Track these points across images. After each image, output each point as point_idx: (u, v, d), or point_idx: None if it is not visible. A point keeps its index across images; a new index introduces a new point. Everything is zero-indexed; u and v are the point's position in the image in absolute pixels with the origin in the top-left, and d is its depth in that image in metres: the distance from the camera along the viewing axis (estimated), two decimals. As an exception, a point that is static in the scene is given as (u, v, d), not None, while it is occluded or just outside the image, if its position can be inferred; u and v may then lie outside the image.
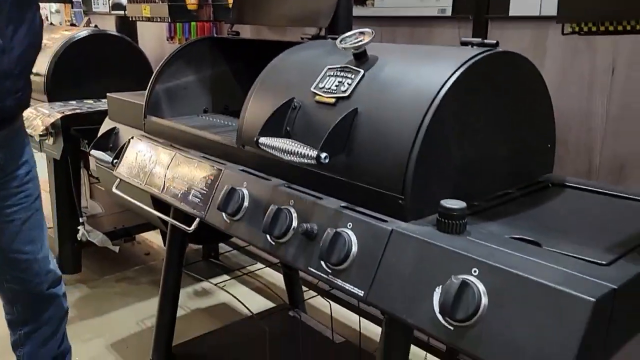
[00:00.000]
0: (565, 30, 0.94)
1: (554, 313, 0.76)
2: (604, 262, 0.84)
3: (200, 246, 3.00)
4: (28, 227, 1.54)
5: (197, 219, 1.40)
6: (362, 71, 1.16)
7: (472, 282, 0.84)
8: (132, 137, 1.71)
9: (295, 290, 2.24)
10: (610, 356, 0.83)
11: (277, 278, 2.29)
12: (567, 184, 1.24)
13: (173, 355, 1.85)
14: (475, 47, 1.13)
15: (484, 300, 0.83)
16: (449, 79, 1.02)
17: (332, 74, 1.21)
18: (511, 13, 1.51)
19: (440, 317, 0.86)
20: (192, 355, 1.86)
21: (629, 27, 0.86)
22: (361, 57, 1.18)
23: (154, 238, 3.17)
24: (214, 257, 3.00)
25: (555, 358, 0.74)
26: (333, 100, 1.16)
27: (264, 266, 2.84)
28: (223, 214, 1.29)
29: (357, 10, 1.92)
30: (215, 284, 2.26)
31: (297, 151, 1.09)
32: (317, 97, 1.20)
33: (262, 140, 1.18)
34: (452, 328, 0.85)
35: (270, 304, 2.44)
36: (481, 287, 0.83)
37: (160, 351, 1.83)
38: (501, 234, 0.97)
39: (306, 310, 2.25)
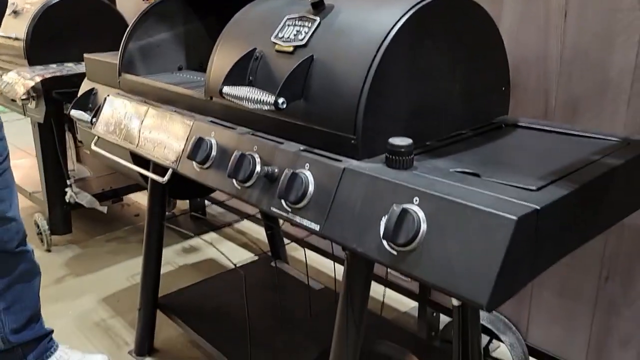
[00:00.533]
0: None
1: (482, 233, 0.82)
2: (533, 188, 0.91)
3: (187, 205, 3.08)
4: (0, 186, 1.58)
5: (170, 170, 1.46)
6: (318, 19, 1.20)
7: (412, 209, 0.90)
8: (108, 95, 1.75)
9: (277, 242, 2.32)
10: (537, 275, 0.90)
11: (263, 234, 2.37)
12: (520, 124, 1.30)
13: (159, 304, 1.94)
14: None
15: (423, 226, 0.89)
16: (397, 22, 1.07)
17: (290, 23, 1.25)
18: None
19: (384, 243, 0.93)
20: (176, 304, 1.95)
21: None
22: (318, 6, 1.22)
23: (142, 200, 3.24)
24: (201, 215, 3.07)
25: (480, 274, 0.81)
26: (291, 48, 1.21)
27: (249, 223, 2.93)
28: (193, 163, 1.35)
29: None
30: (197, 236, 2.34)
31: (257, 98, 1.14)
32: (277, 47, 1.24)
33: (226, 89, 1.24)
34: (395, 253, 0.92)
35: (255, 258, 2.53)
36: (421, 214, 0.90)
37: (147, 301, 1.91)
38: (446, 168, 1.03)
39: (288, 261, 2.34)
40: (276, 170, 1.16)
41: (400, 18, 1.07)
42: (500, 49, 1.30)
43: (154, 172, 1.60)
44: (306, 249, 2.31)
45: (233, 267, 2.08)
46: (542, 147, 1.19)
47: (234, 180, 1.23)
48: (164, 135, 1.49)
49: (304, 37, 1.20)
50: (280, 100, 1.11)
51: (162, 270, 2.23)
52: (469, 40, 1.23)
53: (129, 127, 1.62)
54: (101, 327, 2.14)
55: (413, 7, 1.09)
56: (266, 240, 2.36)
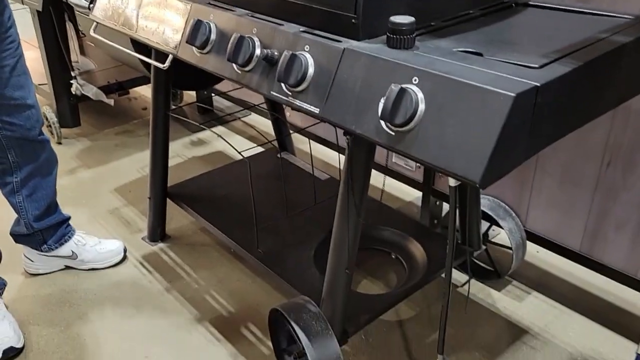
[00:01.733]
0: None
1: (480, 111, 0.82)
2: (535, 66, 0.88)
3: (194, 98, 3.07)
4: (17, 73, 1.58)
5: (171, 56, 1.44)
6: None
7: (411, 89, 0.89)
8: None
9: (283, 133, 2.33)
10: (533, 154, 0.90)
11: (271, 127, 2.37)
12: (531, 2, 1.24)
13: (169, 193, 1.99)
14: None
15: (422, 106, 0.89)
16: None
17: None
18: None
19: (382, 123, 0.93)
20: (185, 193, 2.00)
21: None
22: None
23: (149, 94, 3.22)
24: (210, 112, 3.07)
25: (475, 151, 0.81)
26: None
27: (257, 116, 2.92)
28: (193, 48, 1.32)
29: None
30: (203, 125, 2.35)
31: None
32: None
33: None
34: (393, 133, 0.92)
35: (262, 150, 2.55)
36: (419, 94, 0.89)
37: (157, 190, 1.97)
38: (448, 48, 1.00)
39: (295, 153, 2.36)
40: (276, 52, 1.13)
41: None
42: None
43: (155, 59, 1.57)
44: (312, 140, 2.32)
45: (241, 158, 2.11)
46: (552, 26, 1.14)
47: (234, 65, 1.21)
48: (163, 19, 1.44)
49: None
50: None
51: (171, 163, 2.28)
52: None
53: (127, 11, 1.57)
54: (115, 215, 2.22)
55: None
56: (273, 133, 2.37)
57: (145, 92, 3.27)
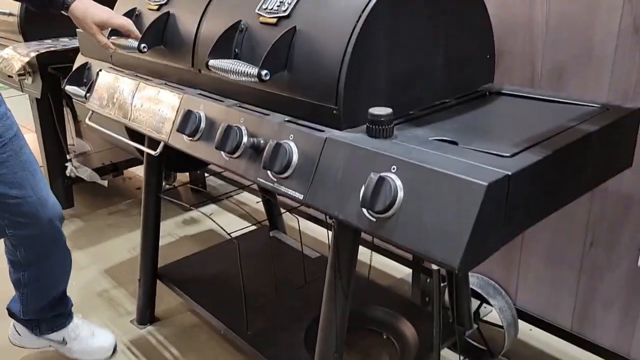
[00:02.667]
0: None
1: (455, 199, 0.85)
2: (507, 155, 0.93)
3: (187, 179, 3.12)
4: (9, 171, 1.48)
5: (162, 143, 1.49)
6: None
7: (390, 177, 0.93)
8: (101, 70, 1.77)
9: (274, 212, 2.36)
10: (510, 239, 0.93)
11: (262, 205, 2.41)
12: (504, 91, 1.31)
13: (159, 275, 1.99)
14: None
15: (400, 193, 0.92)
16: (376, -8, 1.07)
17: None
18: None
19: (364, 210, 0.96)
20: (175, 274, 2.00)
21: None
22: None
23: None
24: (202, 187, 3.11)
25: (453, 238, 0.84)
26: (274, 20, 1.22)
27: (249, 194, 2.96)
28: (183, 135, 1.38)
29: None
30: (194, 207, 2.37)
31: (241, 70, 1.17)
32: (261, 18, 1.25)
33: (212, 62, 1.26)
34: (374, 220, 0.95)
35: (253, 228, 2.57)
36: (398, 182, 0.93)
37: (147, 272, 1.96)
38: (425, 137, 1.05)
39: (285, 231, 2.38)
40: (262, 141, 1.18)
41: (381, -12, 1.08)
42: (484, 18, 1.31)
43: (147, 145, 1.62)
44: (301, 218, 2.34)
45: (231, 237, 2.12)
46: (523, 114, 1.21)
47: (222, 152, 1.26)
48: (155, 109, 1.51)
49: (287, 8, 1.21)
50: (264, 72, 1.13)
51: (163, 242, 2.29)
52: (451, 10, 1.23)
53: (122, 101, 1.64)
54: (104, 297, 2.20)
55: (393, -24, 1.09)
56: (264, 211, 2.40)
57: (139, 172, 3.33)
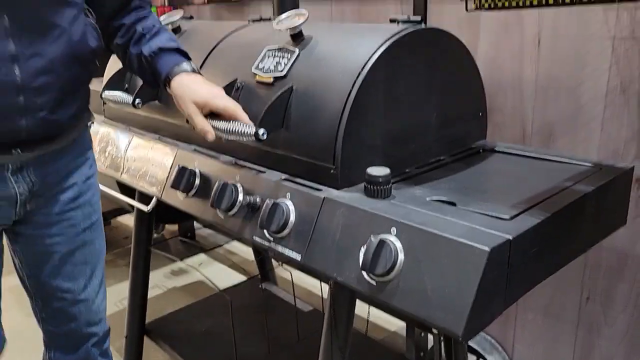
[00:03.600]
0: (469, 6, 1.01)
1: (457, 264, 0.84)
2: (506, 217, 0.93)
3: (176, 227, 3.08)
4: (71, 262, 1.28)
5: (155, 198, 1.48)
6: (297, 50, 1.23)
7: (390, 240, 0.92)
8: (92, 122, 1.76)
9: (266, 264, 2.33)
10: (512, 302, 0.92)
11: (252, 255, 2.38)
12: (497, 149, 1.33)
13: (147, 330, 1.93)
14: (400, 23, 1.19)
15: (401, 256, 0.91)
16: (372, 55, 1.10)
17: (271, 54, 1.28)
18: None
19: (364, 273, 0.95)
20: (164, 330, 1.94)
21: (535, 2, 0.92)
22: (297, 38, 1.25)
23: (131, 222, 3.23)
24: (191, 237, 3.08)
25: (455, 304, 0.83)
26: (271, 79, 1.23)
27: (239, 244, 2.93)
28: (177, 191, 1.36)
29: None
30: (183, 260, 2.34)
31: (238, 130, 1.15)
32: (258, 77, 1.26)
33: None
34: (374, 283, 0.94)
35: (244, 279, 2.53)
36: (398, 245, 0.92)
37: (134, 328, 1.91)
38: (423, 197, 1.05)
39: (277, 283, 2.34)
40: (258, 199, 1.17)
41: (375, 51, 1.10)
42: (476, 78, 1.34)
43: (139, 200, 1.61)
44: (294, 271, 2.31)
45: (221, 290, 2.08)
46: (518, 173, 1.22)
47: (217, 209, 1.24)
48: (148, 164, 1.50)
49: (284, 68, 1.22)
50: (261, 131, 1.12)
51: (151, 293, 2.23)
52: (444, 70, 1.26)
53: (114, 155, 1.63)
54: (89, 353, 2.12)
55: (387, 40, 1.12)
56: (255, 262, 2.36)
57: (126, 220, 3.29)
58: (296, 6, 1.66)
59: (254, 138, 1.12)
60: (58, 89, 1.09)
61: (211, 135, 1.17)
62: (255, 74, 1.27)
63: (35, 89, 1.05)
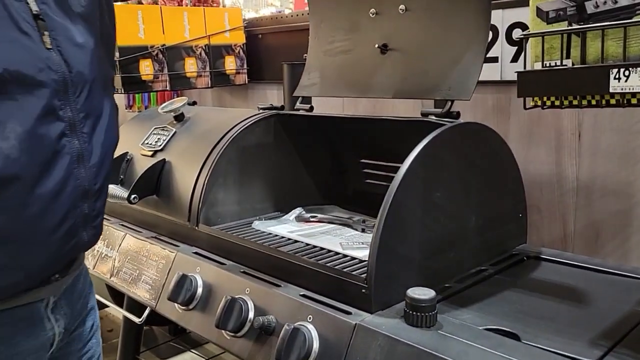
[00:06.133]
0: (527, 104, 0.89)
1: None
2: (590, 360, 0.76)
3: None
4: None
5: (148, 309, 1.28)
6: (174, 129, 1.45)
7: (446, 387, 0.74)
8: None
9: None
10: None
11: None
12: (542, 256, 1.17)
13: None
14: (435, 117, 1.07)
15: (460, 407, 0.73)
16: (412, 152, 0.96)
17: (156, 132, 1.49)
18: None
19: None
20: None
21: (593, 102, 0.81)
22: (179, 119, 1.48)
23: (116, 313, 2.99)
24: (182, 330, 2.83)
25: None
26: (151, 152, 1.43)
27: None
28: (175, 304, 1.18)
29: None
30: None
31: (113, 194, 1.32)
32: (142, 151, 1.46)
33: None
34: None
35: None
36: (456, 394, 0.74)
37: None
38: (475, 325, 0.87)
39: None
40: (273, 321, 0.99)
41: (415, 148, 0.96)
42: (515, 174, 1.20)
43: (128, 308, 1.41)
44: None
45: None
46: (577, 290, 1.04)
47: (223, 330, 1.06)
48: (143, 267, 1.32)
49: (162, 143, 1.43)
50: (132, 196, 1.31)
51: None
52: (482, 166, 1.12)
53: (104, 253, 1.45)
54: None
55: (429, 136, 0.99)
56: None
57: (111, 310, 3.03)
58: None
59: (126, 201, 1.30)
60: (107, 188, 0.93)
61: None
62: (141, 148, 1.47)
63: (97, 191, 0.88)
